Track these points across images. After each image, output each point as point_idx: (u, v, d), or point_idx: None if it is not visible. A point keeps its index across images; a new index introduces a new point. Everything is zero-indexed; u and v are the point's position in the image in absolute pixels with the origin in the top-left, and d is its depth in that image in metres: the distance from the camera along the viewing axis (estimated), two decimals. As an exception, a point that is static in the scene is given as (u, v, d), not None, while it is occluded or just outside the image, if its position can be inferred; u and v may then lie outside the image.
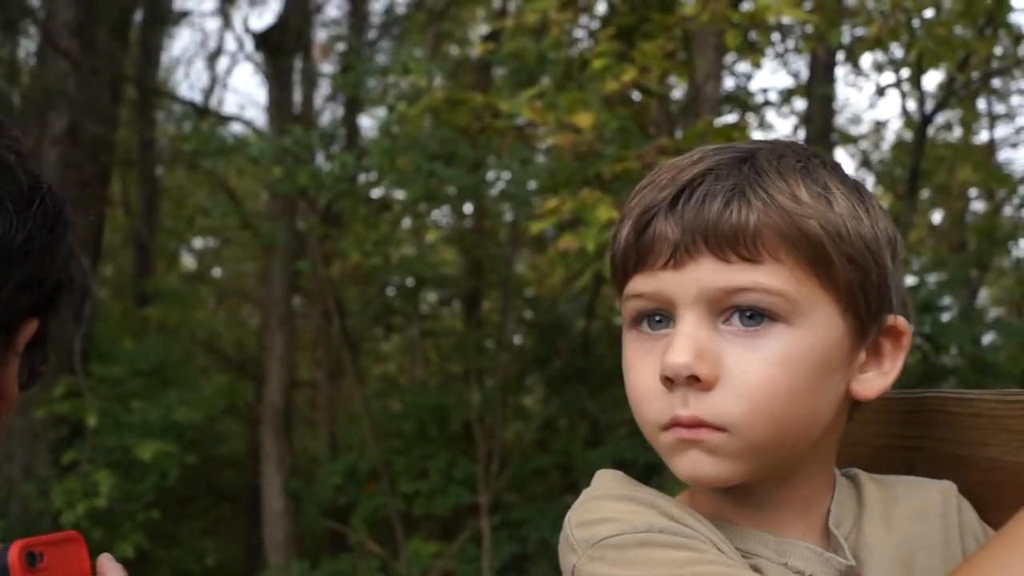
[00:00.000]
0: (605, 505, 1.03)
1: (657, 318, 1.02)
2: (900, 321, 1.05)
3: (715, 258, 0.97)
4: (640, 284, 1.01)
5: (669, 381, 0.97)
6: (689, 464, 0.98)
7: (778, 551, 1.03)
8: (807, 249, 0.97)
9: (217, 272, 16.80)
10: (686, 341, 0.96)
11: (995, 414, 1.11)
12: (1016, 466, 1.09)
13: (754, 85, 10.48)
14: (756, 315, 0.97)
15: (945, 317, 8.47)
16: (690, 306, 0.98)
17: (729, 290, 0.96)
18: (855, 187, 1.04)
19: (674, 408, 0.97)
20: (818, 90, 9.50)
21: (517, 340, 10.78)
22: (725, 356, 0.97)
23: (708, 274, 0.97)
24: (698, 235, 0.97)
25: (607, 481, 1.08)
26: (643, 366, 1.01)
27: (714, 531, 1.01)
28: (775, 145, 1.05)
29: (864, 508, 1.08)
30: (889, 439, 1.24)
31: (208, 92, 14.97)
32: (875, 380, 1.04)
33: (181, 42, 33.81)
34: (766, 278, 0.96)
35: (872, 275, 1.01)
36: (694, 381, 0.96)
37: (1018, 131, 12.76)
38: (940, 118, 11.34)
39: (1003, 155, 13.12)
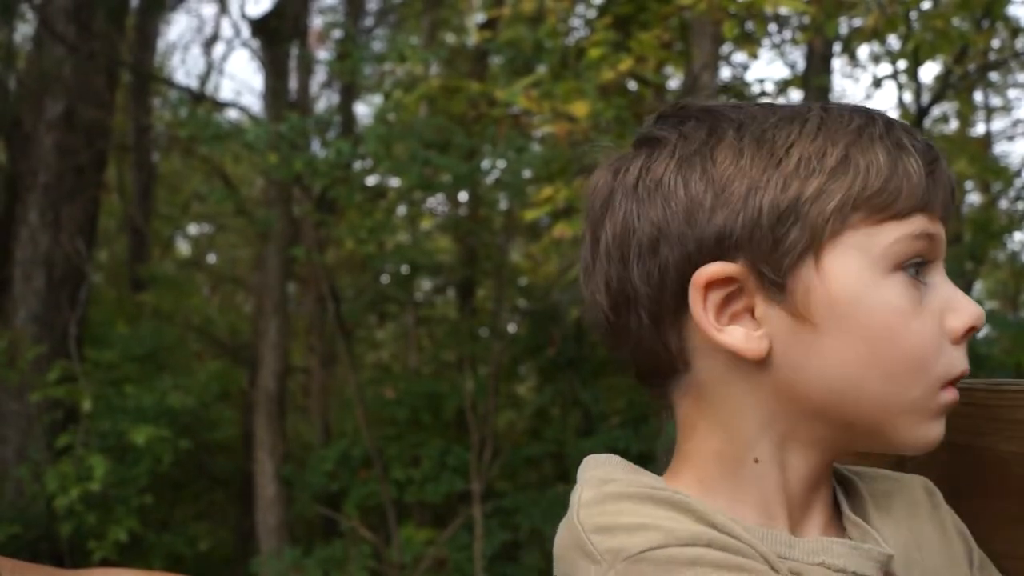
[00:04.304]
0: (631, 507, 0.84)
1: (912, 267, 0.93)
2: None
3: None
4: (929, 225, 0.91)
5: (968, 333, 0.91)
6: (942, 426, 0.92)
7: (809, 550, 0.88)
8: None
9: (212, 258, 16.78)
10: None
11: (987, 403, 1.11)
12: (1007, 455, 1.09)
13: (751, 75, 10.46)
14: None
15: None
16: (941, 260, 0.93)
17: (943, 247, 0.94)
18: None
19: (962, 362, 0.91)
20: (814, 81, 9.49)
21: (511, 328, 10.77)
22: None
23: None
24: (950, 194, 0.94)
25: (616, 472, 0.91)
26: (923, 317, 0.90)
27: (762, 539, 0.86)
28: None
29: (864, 499, 0.98)
30: (881, 428, 1.24)
31: (204, 78, 14.94)
32: None
33: (178, 28, 33.87)
34: None
35: None
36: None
37: (1015, 124, 12.81)
38: (936, 110, 11.34)
39: (999, 148, 13.08)
